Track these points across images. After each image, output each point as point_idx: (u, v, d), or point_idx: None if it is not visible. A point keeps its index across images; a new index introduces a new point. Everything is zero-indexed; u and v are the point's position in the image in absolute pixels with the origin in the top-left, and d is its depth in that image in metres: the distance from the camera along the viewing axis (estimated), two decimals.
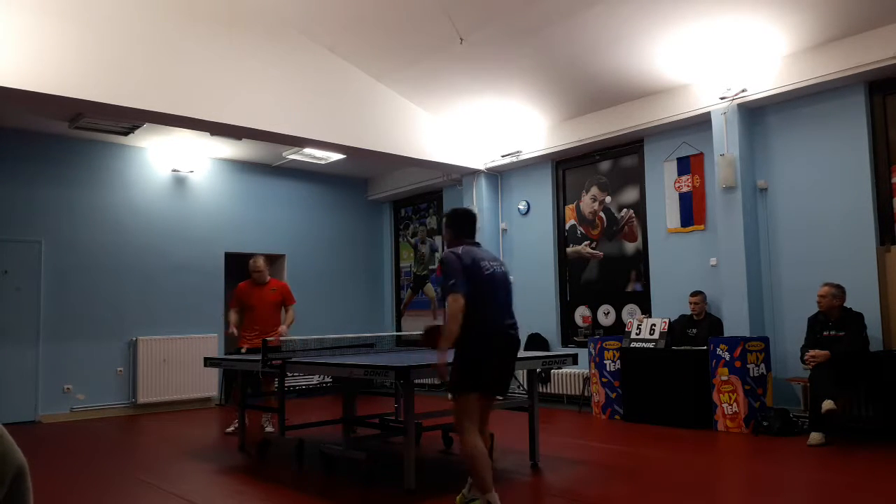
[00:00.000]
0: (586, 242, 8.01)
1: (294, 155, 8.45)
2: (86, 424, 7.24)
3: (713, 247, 6.63)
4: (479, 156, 8.61)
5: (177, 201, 8.63)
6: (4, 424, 1.38)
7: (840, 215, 5.87)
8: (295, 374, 7.71)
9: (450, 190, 9.59)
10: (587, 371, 7.13)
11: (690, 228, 6.92)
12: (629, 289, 7.54)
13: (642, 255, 7.40)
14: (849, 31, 5.55)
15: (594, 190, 7.94)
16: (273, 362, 4.97)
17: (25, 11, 5.12)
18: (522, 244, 8.60)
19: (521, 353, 4.43)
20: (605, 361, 6.81)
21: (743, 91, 6.22)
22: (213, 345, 8.50)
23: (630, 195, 7.57)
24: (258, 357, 5.07)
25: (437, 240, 9.98)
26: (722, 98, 6.34)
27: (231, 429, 6.39)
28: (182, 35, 5.92)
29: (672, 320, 6.60)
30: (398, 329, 10.44)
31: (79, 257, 7.81)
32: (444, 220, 3.74)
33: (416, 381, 4.07)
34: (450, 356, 3.41)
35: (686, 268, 6.89)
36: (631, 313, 7.43)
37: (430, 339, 3.52)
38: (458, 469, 4.84)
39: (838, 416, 5.07)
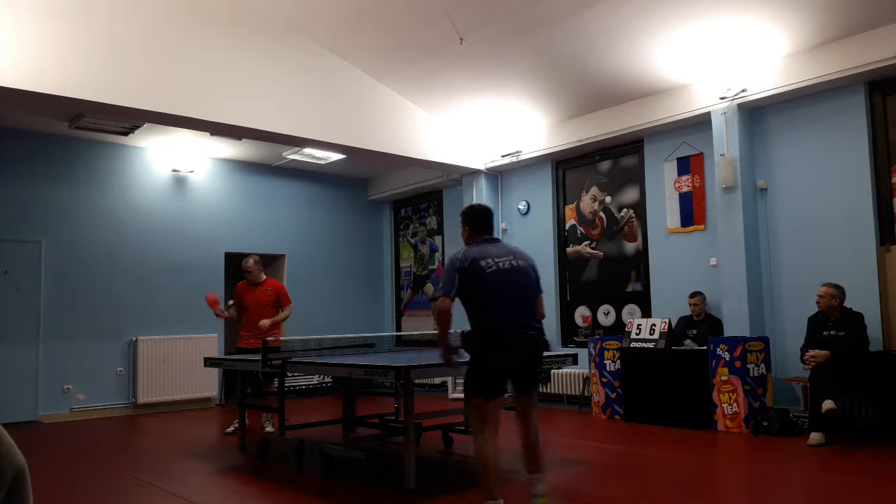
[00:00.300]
0: (586, 242, 8.01)
1: (294, 155, 8.45)
2: (86, 424, 7.24)
3: (713, 247, 6.63)
4: (479, 156, 8.61)
5: (177, 201, 8.63)
6: (4, 424, 1.38)
7: (840, 215, 5.87)
8: (295, 374, 7.72)
9: (450, 190, 9.59)
10: (587, 371, 7.13)
11: (690, 228, 6.92)
12: (629, 289, 7.54)
13: (642, 255, 7.39)
14: (849, 31, 5.55)
15: (594, 190, 7.94)
16: (273, 362, 4.97)
17: (25, 11, 5.12)
18: (522, 244, 8.44)
19: None
20: (605, 361, 6.81)
21: (743, 91, 6.21)
22: (213, 345, 8.50)
23: (630, 195, 7.57)
24: (258, 357, 5.07)
25: (438, 240, 9.98)
26: (722, 98, 6.33)
27: (231, 429, 6.39)
28: (182, 35, 5.92)
29: (672, 322, 6.60)
30: (398, 329, 10.44)
31: (79, 257, 7.81)
32: (460, 217, 3.69)
33: (416, 381, 4.08)
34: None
35: (686, 268, 6.89)
36: (631, 313, 7.43)
37: (444, 347, 3.47)
38: (458, 469, 4.85)
39: (838, 416, 5.07)
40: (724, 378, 5.86)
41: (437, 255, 9.96)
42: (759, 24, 5.61)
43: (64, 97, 5.29)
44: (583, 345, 7.61)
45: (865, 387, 5.31)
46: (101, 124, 7.28)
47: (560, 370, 7.66)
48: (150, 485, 4.42)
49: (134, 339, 8.06)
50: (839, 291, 5.43)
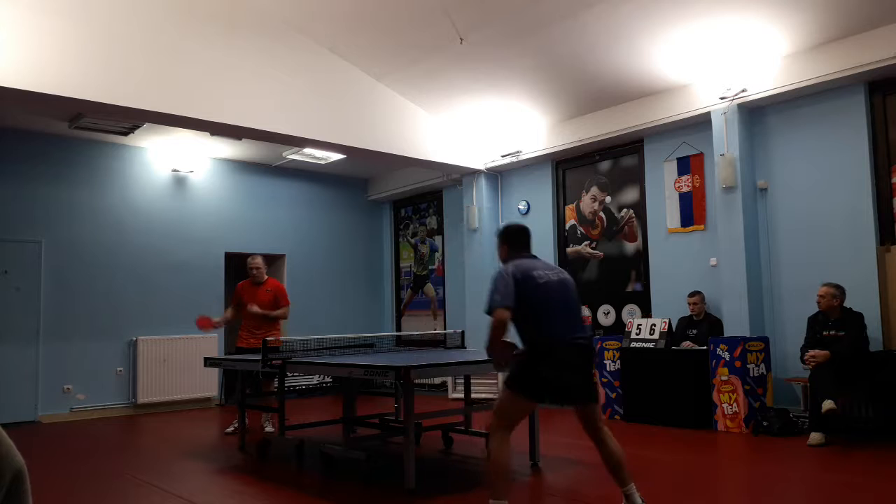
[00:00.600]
0: (586, 242, 8.01)
1: (294, 155, 8.45)
2: (86, 424, 7.24)
3: (713, 247, 6.63)
4: (479, 156, 8.61)
5: (177, 201, 8.63)
6: (4, 424, 1.38)
7: (840, 215, 5.86)
8: (295, 374, 7.72)
9: (450, 190, 9.59)
10: None
11: (690, 228, 6.92)
12: (629, 289, 7.54)
13: (642, 255, 7.39)
14: (849, 31, 5.54)
15: (594, 190, 7.94)
16: (273, 362, 4.97)
17: (25, 11, 5.12)
18: None
19: None
20: (605, 361, 6.81)
21: (743, 91, 6.21)
22: (213, 345, 8.50)
23: (630, 195, 7.57)
24: (258, 357, 5.07)
25: (438, 240, 9.99)
26: (722, 98, 6.33)
27: (231, 429, 6.39)
28: (182, 35, 5.91)
29: (672, 322, 6.60)
30: (398, 329, 10.44)
31: (79, 257, 7.81)
32: (497, 238, 3.70)
33: (416, 381, 4.07)
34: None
35: (686, 268, 6.89)
36: (631, 313, 7.43)
37: (499, 353, 3.37)
38: (459, 469, 4.85)
39: (838, 416, 5.07)
40: (724, 378, 5.86)
41: (437, 255, 9.96)
42: (759, 24, 5.61)
43: (64, 97, 5.29)
44: None
45: (865, 387, 5.31)
46: (101, 124, 7.27)
47: None
48: (150, 485, 4.42)
49: (134, 339, 8.06)
50: (840, 291, 5.43)
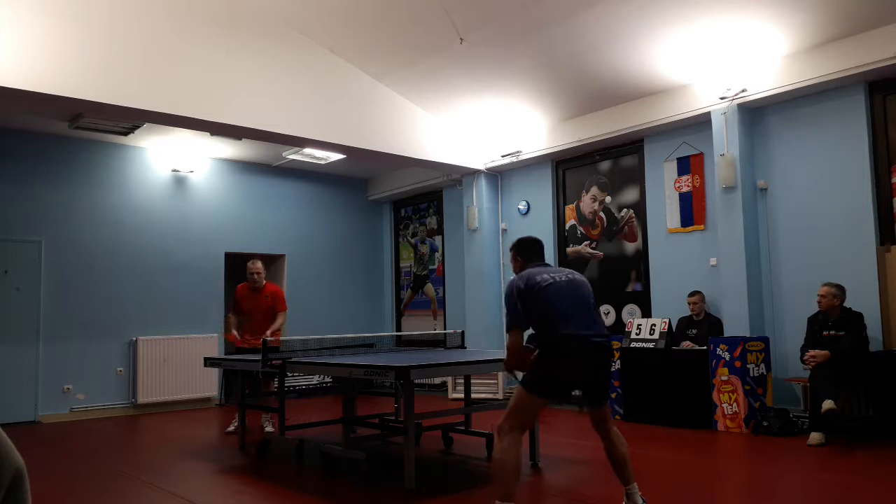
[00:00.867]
0: (586, 242, 8.01)
1: (294, 155, 8.45)
2: (86, 424, 7.24)
3: (713, 247, 6.63)
4: (479, 156, 8.61)
5: (177, 201, 8.63)
6: (4, 425, 1.38)
7: (840, 215, 5.86)
8: (295, 374, 7.72)
9: (450, 190, 9.59)
10: None
11: (690, 228, 6.92)
12: (629, 289, 7.54)
13: (642, 255, 7.40)
14: (849, 31, 5.54)
15: (594, 190, 7.94)
16: (273, 362, 4.96)
17: (25, 11, 5.12)
18: None
19: None
20: None
21: (743, 91, 6.21)
22: (213, 345, 8.50)
23: (630, 195, 7.57)
24: (258, 357, 5.07)
25: (438, 240, 9.99)
26: (722, 98, 6.33)
27: (231, 428, 6.39)
28: (182, 35, 5.92)
29: (672, 322, 6.60)
30: (398, 329, 10.45)
31: (79, 257, 7.81)
32: (510, 252, 3.71)
33: (416, 381, 4.07)
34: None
35: (686, 268, 6.89)
36: (631, 313, 7.43)
37: (518, 363, 3.37)
38: (459, 469, 4.85)
39: (838, 416, 5.07)
40: (724, 378, 5.86)
41: (437, 255, 9.96)
42: (759, 24, 5.61)
43: (64, 97, 5.29)
44: None
45: (865, 387, 5.31)
46: (101, 124, 7.27)
47: None
48: (150, 485, 4.42)
49: (134, 339, 8.06)
50: (840, 291, 5.43)
